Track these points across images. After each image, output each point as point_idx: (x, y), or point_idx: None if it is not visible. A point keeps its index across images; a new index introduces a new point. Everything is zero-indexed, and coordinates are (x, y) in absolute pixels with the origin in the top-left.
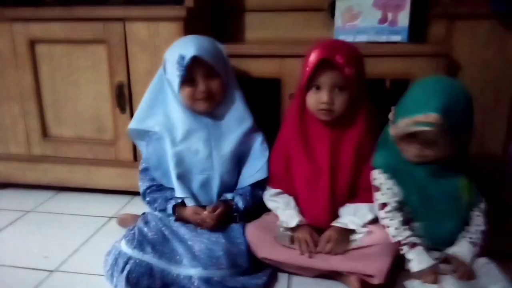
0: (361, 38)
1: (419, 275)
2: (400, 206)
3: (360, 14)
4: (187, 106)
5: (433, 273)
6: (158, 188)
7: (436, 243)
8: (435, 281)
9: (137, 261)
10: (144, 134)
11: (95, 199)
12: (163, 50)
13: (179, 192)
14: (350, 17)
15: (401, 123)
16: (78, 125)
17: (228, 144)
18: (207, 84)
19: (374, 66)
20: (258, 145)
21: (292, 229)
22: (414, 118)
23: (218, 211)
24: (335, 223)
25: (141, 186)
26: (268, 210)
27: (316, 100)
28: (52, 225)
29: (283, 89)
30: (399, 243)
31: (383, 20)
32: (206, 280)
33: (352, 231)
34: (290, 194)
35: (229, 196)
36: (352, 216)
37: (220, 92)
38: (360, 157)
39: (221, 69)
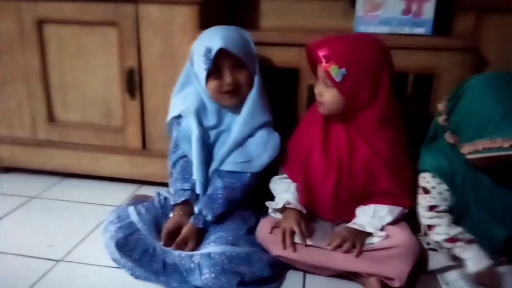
0: (383, 29)
1: (477, 277)
2: (449, 210)
3: (383, 4)
4: (213, 99)
5: (492, 276)
6: (184, 165)
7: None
8: (495, 285)
9: (143, 237)
10: (174, 122)
11: (101, 186)
12: (177, 35)
13: (196, 173)
14: (372, 6)
15: (485, 144)
16: (85, 110)
17: (235, 137)
18: (234, 76)
19: (396, 59)
20: (258, 138)
21: (281, 213)
22: (497, 142)
23: (176, 242)
24: (352, 224)
25: (170, 160)
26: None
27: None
28: (57, 213)
29: (301, 79)
30: (454, 240)
31: (407, 11)
32: (207, 255)
33: (369, 234)
34: (294, 181)
35: (196, 209)
36: (370, 217)
37: (247, 85)
38: (376, 158)
39: (249, 61)
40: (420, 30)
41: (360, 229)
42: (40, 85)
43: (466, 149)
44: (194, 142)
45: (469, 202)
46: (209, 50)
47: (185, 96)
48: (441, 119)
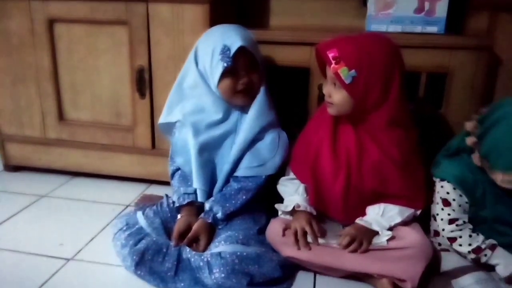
0: (395, 28)
1: (509, 279)
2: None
3: (395, 2)
4: (225, 98)
5: None
6: (183, 174)
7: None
8: None
9: (154, 239)
10: (171, 127)
11: (111, 185)
12: (187, 34)
13: (196, 182)
14: (384, 5)
15: None
16: (95, 109)
17: (245, 136)
18: (249, 75)
19: (408, 58)
20: (269, 140)
21: (291, 215)
22: None
23: (188, 238)
24: (359, 220)
25: (169, 170)
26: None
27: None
28: (67, 211)
29: (312, 79)
30: (479, 250)
31: (420, 9)
32: (218, 254)
33: (377, 232)
34: (303, 182)
35: (207, 205)
36: (379, 216)
37: (258, 85)
38: (386, 159)
39: (260, 61)
40: (432, 29)
41: (367, 226)
42: (50, 84)
43: (500, 177)
44: (192, 153)
45: (487, 215)
46: (227, 48)
47: (182, 97)
48: (469, 141)
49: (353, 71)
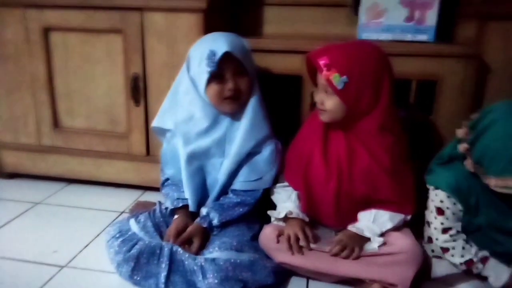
0: (386, 36)
1: None
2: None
3: (386, 11)
4: (213, 105)
5: None
6: (174, 183)
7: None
8: None
9: (147, 242)
10: (164, 132)
11: (106, 192)
12: (181, 42)
13: (186, 192)
14: (375, 14)
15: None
16: (90, 117)
17: (239, 148)
18: (236, 81)
19: (398, 66)
20: (267, 154)
21: (284, 222)
22: None
23: (181, 237)
24: (351, 227)
25: (161, 179)
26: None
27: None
28: (61, 218)
29: (304, 87)
30: (470, 263)
31: (410, 18)
32: (212, 260)
33: (368, 239)
34: (295, 189)
35: (204, 211)
36: (370, 223)
37: (247, 92)
38: (376, 165)
39: (249, 67)
40: (422, 37)
41: (358, 233)
42: (46, 92)
43: (493, 182)
44: (182, 162)
45: (481, 223)
46: (213, 53)
47: (175, 104)
48: (461, 147)
49: (344, 77)
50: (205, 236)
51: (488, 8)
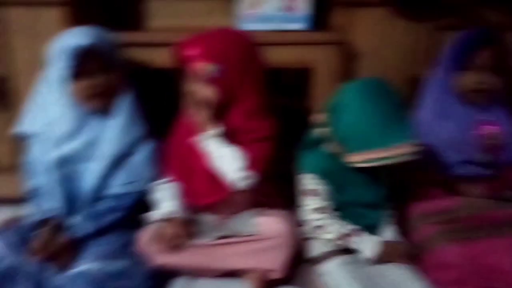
0: (263, 26)
1: (377, 259)
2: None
3: (263, 1)
4: (77, 102)
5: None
6: (42, 193)
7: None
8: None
9: (9, 262)
10: (30, 137)
11: None
12: (47, 39)
13: (55, 201)
14: (251, 4)
15: (369, 155)
16: None
17: (111, 149)
18: (101, 78)
19: (274, 55)
20: (144, 155)
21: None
22: (389, 150)
23: (48, 251)
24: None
25: (29, 189)
26: None
27: None
28: None
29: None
30: (344, 236)
31: (284, 8)
32: (84, 272)
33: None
34: (174, 180)
35: (75, 220)
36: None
37: (114, 88)
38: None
39: (116, 63)
40: (297, 26)
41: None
42: None
43: (355, 158)
44: (49, 170)
45: (348, 199)
46: (73, 49)
47: (38, 106)
48: (324, 131)
49: (216, 65)
50: (77, 247)
51: None
